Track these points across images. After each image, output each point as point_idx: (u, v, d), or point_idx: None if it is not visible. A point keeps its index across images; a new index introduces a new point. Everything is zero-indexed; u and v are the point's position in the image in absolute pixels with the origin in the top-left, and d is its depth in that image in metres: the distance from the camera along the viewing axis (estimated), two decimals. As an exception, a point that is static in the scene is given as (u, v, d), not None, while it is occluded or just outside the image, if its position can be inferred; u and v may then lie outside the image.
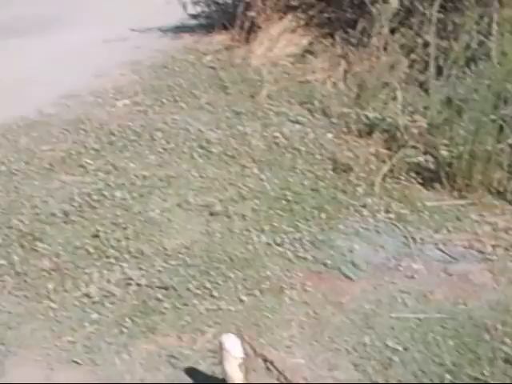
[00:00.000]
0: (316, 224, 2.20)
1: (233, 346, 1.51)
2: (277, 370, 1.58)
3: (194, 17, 4.25)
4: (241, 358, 1.50)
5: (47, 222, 2.30)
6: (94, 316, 1.81)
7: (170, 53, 4.00)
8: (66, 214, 2.33)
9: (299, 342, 1.69)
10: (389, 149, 2.52)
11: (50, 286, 1.95)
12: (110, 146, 2.88)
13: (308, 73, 3.32)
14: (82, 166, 2.70)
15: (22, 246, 2.16)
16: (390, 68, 2.91)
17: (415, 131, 2.49)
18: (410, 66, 2.90)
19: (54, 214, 2.33)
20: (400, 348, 1.63)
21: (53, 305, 1.87)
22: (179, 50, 4.01)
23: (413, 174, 2.41)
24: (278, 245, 2.11)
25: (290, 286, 1.91)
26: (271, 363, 1.59)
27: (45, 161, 2.78)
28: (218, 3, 4.07)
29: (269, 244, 2.10)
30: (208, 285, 1.90)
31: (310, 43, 3.53)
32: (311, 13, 3.44)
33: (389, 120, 2.58)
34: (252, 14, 3.69)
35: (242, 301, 1.85)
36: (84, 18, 4.83)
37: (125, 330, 1.74)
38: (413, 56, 2.93)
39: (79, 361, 1.63)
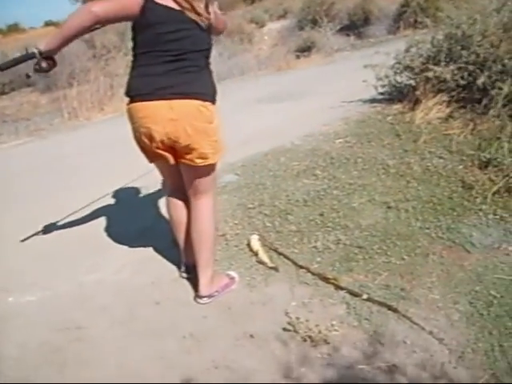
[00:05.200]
0: (450, 218, 3.34)
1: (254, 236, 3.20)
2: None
3: (381, 94, 6.40)
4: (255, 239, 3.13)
5: (294, 205, 3.71)
6: (318, 259, 2.98)
7: (367, 114, 5.99)
8: (305, 200, 3.76)
9: (437, 286, 2.66)
10: (497, 177, 3.75)
11: (295, 239, 3.23)
12: (331, 164, 4.43)
13: (449, 129, 4.94)
14: (314, 175, 4.23)
15: (280, 217, 3.54)
16: (500, 128, 4.46)
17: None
18: (514, 128, 4.32)
19: (298, 201, 3.76)
20: (498, 296, 2.54)
21: (295, 250, 3.08)
22: (372, 112, 6.02)
23: (512, 193, 3.66)
24: (427, 228, 3.24)
25: (432, 253, 2.99)
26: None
27: (294, 171, 4.40)
28: (395, 86, 6.16)
29: (421, 228, 3.25)
30: (384, 247, 3.05)
31: (451, 111, 5.25)
32: (453, 93, 5.27)
33: (498, 159, 3.86)
34: (417, 93, 5.51)
35: (403, 258, 2.93)
36: (317, 94, 7.74)
37: (335, 268, 2.85)
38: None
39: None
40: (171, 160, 2.44)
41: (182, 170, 2.50)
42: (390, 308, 2.40)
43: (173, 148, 2.39)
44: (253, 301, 2.57)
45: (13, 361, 2.33)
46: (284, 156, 4.67)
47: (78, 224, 3.56)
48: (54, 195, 4.47)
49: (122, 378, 2.15)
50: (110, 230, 3.51)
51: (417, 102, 5.35)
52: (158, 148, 2.38)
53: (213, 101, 2.35)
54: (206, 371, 2.13)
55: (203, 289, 2.59)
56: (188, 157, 2.38)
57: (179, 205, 2.67)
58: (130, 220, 3.61)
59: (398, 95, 5.90)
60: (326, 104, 6.50)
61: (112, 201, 3.97)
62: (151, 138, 2.34)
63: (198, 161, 2.38)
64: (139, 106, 2.30)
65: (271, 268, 2.82)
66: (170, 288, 2.75)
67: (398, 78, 5.85)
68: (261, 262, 2.88)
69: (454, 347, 2.16)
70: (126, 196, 4.02)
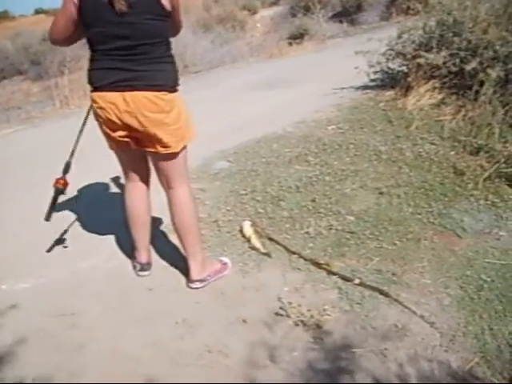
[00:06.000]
0: (442, 204, 3.39)
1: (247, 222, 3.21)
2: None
3: (373, 81, 6.45)
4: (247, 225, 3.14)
5: (286, 191, 3.74)
6: (311, 245, 3.01)
7: (359, 100, 6.06)
8: (297, 187, 3.79)
9: (428, 270, 2.70)
10: (489, 162, 3.81)
11: (287, 225, 3.26)
12: (324, 151, 4.46)
13: (441, 115, 4.97)
14: (307, 161, 4.27)
15: (272, 203, 3.57)
16: (491, 114, 4.41)
17: (506, 153, 3.77)
18: (505, 113, 4.36)
19: (290, 187, 3.80)
20: (489, 280, 2.57)
21: (288, 236, 3.13)
22: (365, 99, 6.10)
23: (503, 179, 3.60)
24: (418, 214, 3.28)
25: (424, 238, 3.02)
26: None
27: (286, 157, 4.43)
28: (388, 73, 6.23)
29: (412, 213, 3.29)
30: (376, 233, 3.08)
31: (443, 98, 5.28)
32: (445, 80, 5.30)
33: (489, 145, 3.95)
34: (409, 79, 5.57)
35: (395, 244, 2.96)
36: (309, 80, 7.66)
37: (327, 254, 2.88)
38: (506, 107, 4.44)
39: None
40: (133, 145, 2.44)
41: (151, 160, 2.53)
42: (381, 292, 2.43)
43: (134, 137, 2.40)
44: (245, 286, 2.60)
45: (7, 348, 2.32)
46: (276, 143, 4.70)
47: (69, 212, 3.57)
48: (46, 183, 4.40)
49: (115, 363, 2.16)
50: (100, 218, 3.51)
51: (409, 88, 5.38)
52: (119, 136, 2.40)
53: (171, 89, 2.34)
54: (198, 356, 2.15)
55: (194, 273, 2.65)
56: (150, 146, 2.40)
57: (136, 196, 2.70)
58: (121, 207, 3.60)
59: (390, 82, 5.95)
60: (319, 91, 6.50)
61: (102, 188, 3.97)
62: (111, 127, 2.37)
63: (161, 149, 2.39)
64: (97, 96, 2.33)
65: (264, 254, 2.84)
66: (162, 274, 2.77)
67: (390, 65, 5.87)
68: (254, 248, 2.90)
69: (444, 331, 2.18)
70: (116, 183, 3.99)
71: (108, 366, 2.16)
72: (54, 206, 3.01)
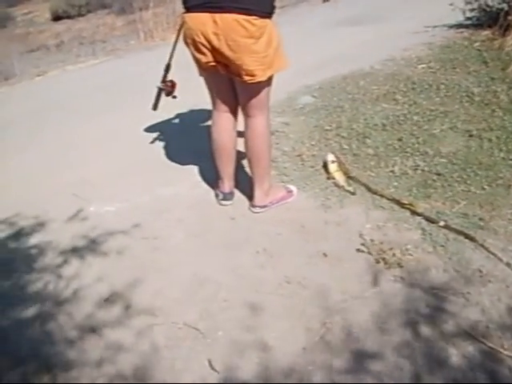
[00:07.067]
0: (536, 152, 3.25)
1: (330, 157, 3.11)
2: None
3: (469, 19, 6.15)
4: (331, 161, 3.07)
5: (372, 129, 3.66)
6: (395, 184, 2.94)
7: (452, 39, 5.79)
8: (383, 125, 3.71)
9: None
10: None
11: (372, 163, 3.19)
12: (412, 90, 4.34)
13: None
14: (394, 100, 4.17)
15: (358, 140, 3.50)
16: None
17: None
18: None
19: (376, 125, 3.72)
20: None
21: (372, 174, 3.06)
22: (458, 38, 5.81)
23: None
24: (511, 160, 3.07)
25: (514, 184, 2.88)
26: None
27: (373, 95, 4.34)
28: (485, 11, 5.89)
29: (504, 158, 3.09)
30: (464, 176, 2.94)
31: None
32: None
33: None
34: (509, 18, 5.19)
35: (483, 188, 2.81)
36: (399, 17, 7.30)
37: (412, 194, 2.80)
38: None
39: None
40: (221, 70, 2.41)
41: (236, 87, 2.50)
42: (467, 236, 2.32)
43: (222, 62, 2.37)
44: (327, 221, 2.59)
45: (90, 265, 2.45)
46: (363, 80, 4.59)
47: (156, 140, 3.68)
48: (130, 110, 4.59)
49: (195, 285, 2.22)
50: (186, 147, 3.56)
51: (508, 27, 5.04)
52: (207, 60, 2.38)
53: (263, 15, 2.26)
54: (277, 285, 2.17)
55: (257, 200, 2.80)
56: (236, 73, 2.36)
57: (224, 128, 2.70)
58: (207, 138, 3.62)
59: (487, 20, 5.56)
60: (409, 28, 6.21)
61: (187, 118, 3.98)
62: (199, 50, 2.35)
63: (246, 78, 2.35)
64: (188, 17, 2.32)
65: (347, 191, 2.80)
66: (245, 205, 2.80)
67: (489, 2, 5.52)
68: (337, 185, 2.86)
69: (531, 280, 2.06)
70: (202, 114, 3.85)
71: (188, 287, 2.22)
72: (159, 99, 3.05)
